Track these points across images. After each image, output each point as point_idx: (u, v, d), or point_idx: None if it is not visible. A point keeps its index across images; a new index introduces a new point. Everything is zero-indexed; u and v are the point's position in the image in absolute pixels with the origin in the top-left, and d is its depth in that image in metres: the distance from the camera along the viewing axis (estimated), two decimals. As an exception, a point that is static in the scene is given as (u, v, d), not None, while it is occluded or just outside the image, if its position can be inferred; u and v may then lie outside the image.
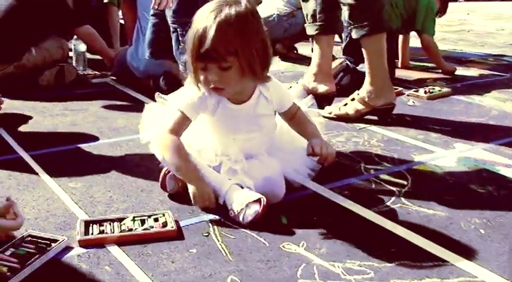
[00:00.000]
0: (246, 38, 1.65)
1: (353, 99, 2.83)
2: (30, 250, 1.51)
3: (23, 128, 2.69)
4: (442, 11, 4.14)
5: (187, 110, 1.78)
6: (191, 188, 1.77)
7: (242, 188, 1.78)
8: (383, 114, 2.83)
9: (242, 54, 1.65)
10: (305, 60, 4.53)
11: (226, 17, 1.63)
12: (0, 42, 3.28)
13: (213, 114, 1.81)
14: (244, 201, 1.71)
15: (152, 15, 3.20)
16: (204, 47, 1.62)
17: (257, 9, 1.76)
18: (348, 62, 3.59)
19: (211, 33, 1.61)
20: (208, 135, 1.88)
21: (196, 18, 1.68)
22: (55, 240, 1.57)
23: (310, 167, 1.96)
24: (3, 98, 2.79)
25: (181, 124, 1.78)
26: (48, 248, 1.53)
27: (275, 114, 1.93)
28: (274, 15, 4.57)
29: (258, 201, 1.72)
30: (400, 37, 4.15)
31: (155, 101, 2.02)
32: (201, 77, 1.70)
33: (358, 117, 2.81)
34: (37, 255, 1.49)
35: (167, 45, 2.93)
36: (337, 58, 3.60)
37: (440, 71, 4.13)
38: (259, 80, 1.77)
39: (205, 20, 1.64)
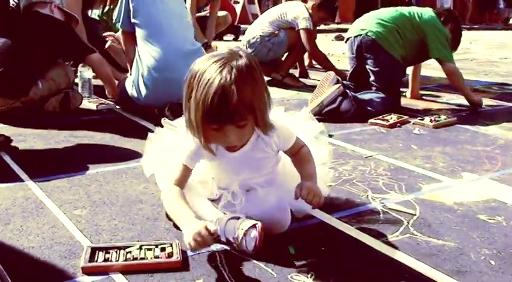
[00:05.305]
0: (259, 93, 1.60)
1: None
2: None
3: (27, 154, 2.69)
4: (454, 47, 3.99)
5: (187, 162, 1.75)
6: (184, 233, 1.57)
7: (239, 218, 1.74)
8: None
9: (258, 109, 1.60)
10: (309, 88, 4.55)
11: (240, 73, 1.55)
12: (7, 78, 3.26)
13: (210, 160, 1.80)
14: (241, 231, 1.68)
15: None
16: (224, 109, 1.53)
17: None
18: (346, 87, 3.59)
19: (233, 94, 1.52)
20: (210, 170, 1.86)
21: (201, 75, 1.57)
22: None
23: None
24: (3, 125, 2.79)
25: (184, 175, 1.77)
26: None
27: (277, 152, 1.87)
28: (257, 37, 4.73)
29: (254, 226, 1.68)
30: (410, 68, 4.15)
31: (162, 126, 2.01)
32: (214, 138, 1.64)
33: None
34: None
35: None
36: (337, 83, 3.59)
37: (446, 100, 4.12)
38: (267, 131, 1.71)
39: (217, 78, 1.53)
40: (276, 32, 4.69)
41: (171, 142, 1.92)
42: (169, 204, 1.74)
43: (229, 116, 1.56)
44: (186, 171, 1.77)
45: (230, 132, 1.60)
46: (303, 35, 4.68)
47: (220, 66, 1.56)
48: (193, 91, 1.58)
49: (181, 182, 1.76)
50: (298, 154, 1.86)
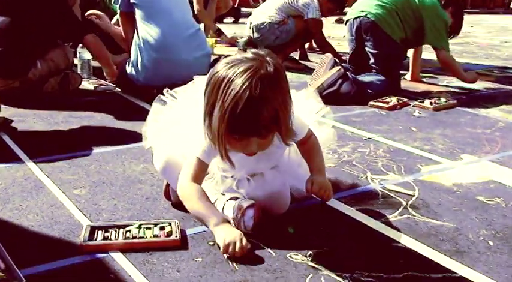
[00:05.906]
0: (285, 103, 1.56)
1: None
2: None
3: (26, 135, 2.68)
4: (456, 31, 4.00)
5: (203, 156, 1.69)
6: (218, 238, 1.59)
7: (237, 199, 1.74)
8: None
9: (284, 120, 1.56)
10: (309, 70, 4.53)
11: (269, 85, 1.49)
12: (6, 58, 3.25)
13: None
14: (238, 211, 1.69)
15: None
16: (253, 124, 1.51)
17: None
18: (347, 70, 3.58)
19: (263, 109, 1.49)
20: (217, 163, 1.79)
21: (228, 84, 1.50)
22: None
23: None
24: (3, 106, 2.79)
25: (200, 170, 1.70)
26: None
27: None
28: (266, 23, 4.71)
29: (251, 206, 1.69)
30: (411, 51, 4.12)
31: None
32: (233, 146, 1.59)
33: None
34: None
35: None
36: (336, 65, 3.57)
37: (446, 83, 4.11)
38: (288, 139, 1.67)
39: (247, 90, 1.47)
40: (285, 19, 4.67)
41: (171, 113, 1.90)
42: (190, 205, 1.67)
43: (257, 130, 1.53)
44: (202, 166, 1.70)
45: (253, 142, 1.58)
46: (312, 25, 4.68)
47: (249, 77, 1.49)
48: (219, 99, 1.51)
49: (198, 178, 1.70)
50: (307, 144, 1.84)
